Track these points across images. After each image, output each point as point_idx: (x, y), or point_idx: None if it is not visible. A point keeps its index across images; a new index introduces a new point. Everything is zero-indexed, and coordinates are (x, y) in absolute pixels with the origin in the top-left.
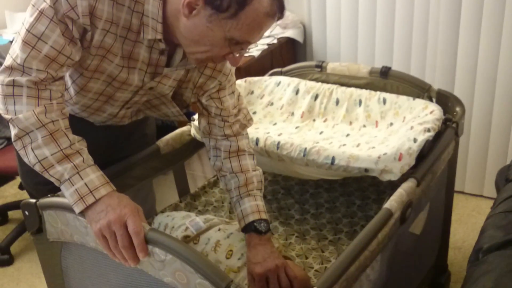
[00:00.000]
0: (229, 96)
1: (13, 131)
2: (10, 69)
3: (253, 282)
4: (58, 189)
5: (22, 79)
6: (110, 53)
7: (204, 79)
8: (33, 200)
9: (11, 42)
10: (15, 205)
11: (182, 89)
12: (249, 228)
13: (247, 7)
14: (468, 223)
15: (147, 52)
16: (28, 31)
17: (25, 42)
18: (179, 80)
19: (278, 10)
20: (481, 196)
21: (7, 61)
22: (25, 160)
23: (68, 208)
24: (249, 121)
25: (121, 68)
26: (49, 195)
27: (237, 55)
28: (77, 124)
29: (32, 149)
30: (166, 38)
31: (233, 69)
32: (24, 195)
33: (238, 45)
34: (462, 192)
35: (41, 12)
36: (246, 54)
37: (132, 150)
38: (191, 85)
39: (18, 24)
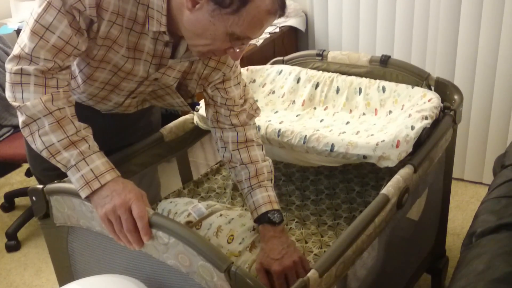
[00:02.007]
0: (235, 87)
1: (21, 118)
2: (18, 58)
3: (265, 275)
4: (65, 175)
5: (30, 68)
6: (116, 44)
7: (209, 71)
8: (40, 186)
9: (16, 31)
10: (22, 192)
11: (187, 80)
12: (262, 219)
13: (249, 4)
14: (467, 209)
15: (152, 43)
16: (36, 21)
17: (33, 32)
18: (183, 72)
19: (279, 7)
20: (481, 183)
21: (15, 50)
22: (33, 146)
23: (75, 194)
24: (256, 110)
25: (127, 58)
26: (56, 181)
27: (237, 50)
28: (84, 112)
29: (39, 136)
30: (170, 30)
31: (238, 60)
32: (30, 182)
33: (239, 40)
34: (462, 180)
35: (49, 3)
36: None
37: (137, 137)
38: (195, 76)
39: (23, 13)
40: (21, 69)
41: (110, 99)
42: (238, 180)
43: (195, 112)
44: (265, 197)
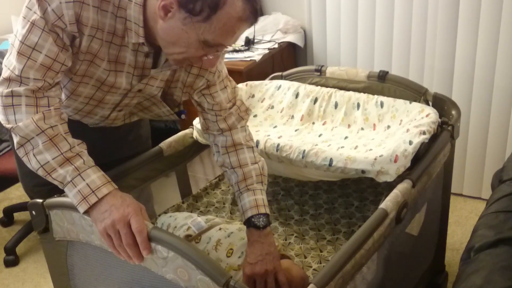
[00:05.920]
0: (221, 92)
1: (15, 139)
2: (8, 80)
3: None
4: (57, 189)
5: (20, 89)
6: (97, 58)
7: (193, 78)
8: (40, 200)
9: None
10: (21, 207)
11: (171, 89)
12: (248, 224)
13: (219, 11)
14: (466, 225)
15: (132, 55)
16: (22, 42)
17: (20, 53)
18: (166, 81)
19: (251, 14)
20: (479, 198)
21: (5, 73)
22: (29, 166)
23: (74, 208)
24: (246, 111)
25: (109, 72)
26: (55, 195)
27: (211, 57)
28: (72, 126)
29: (34, 155)
30: (149, 41)
31: (222, 65)
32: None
33: (212, 47)
34: (461, 195)
35: (33, 23)
36: (247, 58)
37: (127, 151)
38: (180, 84)
39: None
40: (12, 91)
41: (96, 113)
42: (231, 183)
43: (194, 127)
44: (252, 201)
